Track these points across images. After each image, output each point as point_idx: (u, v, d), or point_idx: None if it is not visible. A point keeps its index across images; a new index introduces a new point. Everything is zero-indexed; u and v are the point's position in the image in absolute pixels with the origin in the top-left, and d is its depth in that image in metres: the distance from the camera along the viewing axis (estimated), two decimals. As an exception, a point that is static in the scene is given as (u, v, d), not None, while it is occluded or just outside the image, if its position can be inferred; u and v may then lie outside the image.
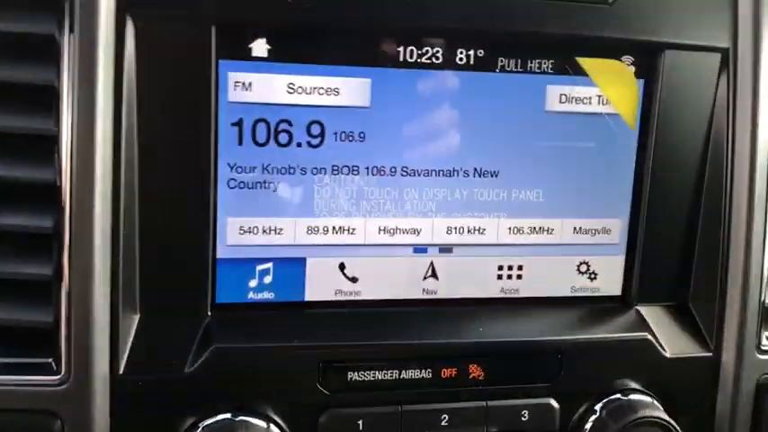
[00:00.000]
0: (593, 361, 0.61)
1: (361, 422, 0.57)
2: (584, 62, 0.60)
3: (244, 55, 0.55)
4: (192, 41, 0.53)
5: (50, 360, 0.53)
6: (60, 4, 0.50)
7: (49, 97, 0.51)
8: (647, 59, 0.61)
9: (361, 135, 0.58)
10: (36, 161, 0.52)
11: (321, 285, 0.60)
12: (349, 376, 0.57)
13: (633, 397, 0.61)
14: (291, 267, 0.60)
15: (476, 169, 0.61)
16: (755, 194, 0.62)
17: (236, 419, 0.55)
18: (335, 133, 0.58)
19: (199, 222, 0.56)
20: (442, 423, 0.58)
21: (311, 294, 0.60)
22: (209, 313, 0.58)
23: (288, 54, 0.56)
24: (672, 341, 0.63)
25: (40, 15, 0.50)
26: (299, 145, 0.57)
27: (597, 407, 0.61)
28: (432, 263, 0.62)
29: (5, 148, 0.51)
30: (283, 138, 0.57)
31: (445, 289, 0.63)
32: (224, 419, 0.55)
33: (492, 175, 0.61)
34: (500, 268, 0.63)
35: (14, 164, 0.51)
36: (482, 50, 0.59)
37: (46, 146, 0.51)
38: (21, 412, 0.52)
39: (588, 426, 0.61)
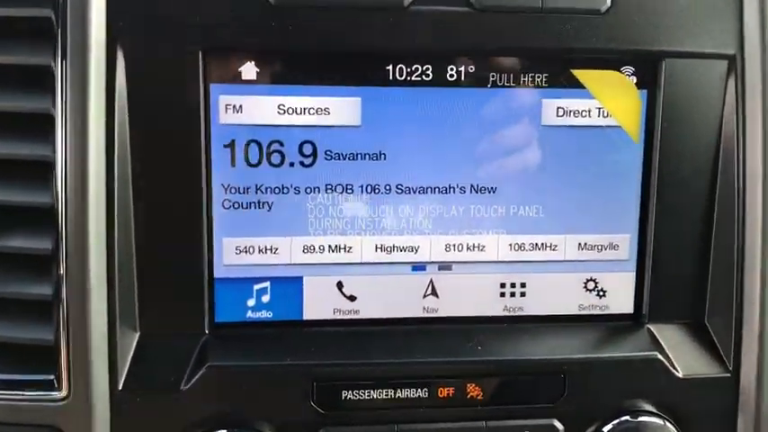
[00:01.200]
0: (599, 381, 0.59)
1: None
2: (581, 74, 0.59)
3: (233, 78, 0.57)
4: (181, 67, 0.55)
5: (52, 377, 0.55)
6: (54, 35, 0.53)
7: (46, 125, 0.53)
8: (649, 69, 0.59)
9: (354, 154, 0.59)
10: (35, 186, 0.54)
11: (319, 304, 0.61)
12: (343, 395, 0.57)
13: (643, 419, 0.59)
14: (289, 286, 0.60)
15: (472, 185, 0.60)
16: (769, 206, 0.59)
17: (231, 436, 0.56)
18: (328, 152, 0.59)
19: (195, 243, 0.58)
20: None
21: (309, 313, 0.61)
22: (207, 332, 0.59)
23: (276, 76, 0.57)
24: (686, 361, 0.61)
25: (38, 47, 0.53)
26: (291, 165, 0.58)
27: (605, 429, 0.59)
28: (431, 281, 0.62)
29: (5, 173, 0.54)
30: (276, 158, 0.58)
31: (446, 307, 0.62)
32: (219, 437, 0.56)
33: (489, 192, 0.60)
34: (502, 286, 0.62)
35: (14, 189, 0.54)
36: (472, 66, 0.58)
37: (44, 171, 0.54)
38: (24, 426, 0.55)
39: (595, 448, 0.59)
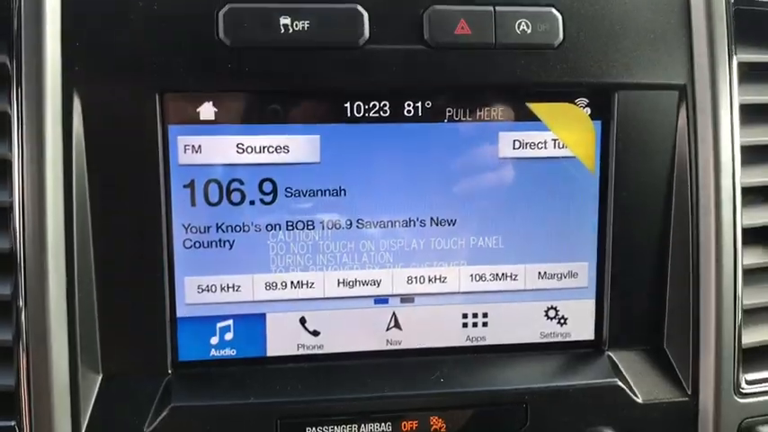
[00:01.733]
0: (561, 409, 0.60)
1: None
2: (536, 107, 0.60)
3: (191, 119, 0.57)
4: (139, 110, 0.55)
5: (13, 423, 0.54)
6: (9, 80, 0.53)
7: (3, 170, 0.53)
8: (602, 101, 0.61)
9: (314, 190, 0.59)
10: (-8, 231, 0.54)
11: (283, 340, 0.61)
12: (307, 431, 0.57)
13: (604, 446, 0.60)
14: (252, 323, 0.61)
15: (432, 218, 0.61)
16: (722, 232, 0.60)
17: (194, 479, 0.55)
18: (288, 189, 0.59)
19: (156, 283, 0.58)
20: None
21: (273, 349, 0.61)
22: (170, 371, 0.59)
23: (235, 116, 0.57)
24: (646, 386, 0.61)
25: None
26: (252, 203, 0.59)
27: (568, 457, 0.60)
28: (394, 313, 0.62)
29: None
30: (236, 197, 0.58)
31: (410, 339, 0.62)
32: (182, 480, 0.56)
33: (449, 224, 0.61)
34: (465, 316, 0.63)
35: None
36: (429, 102, 0.59)
37: (1, 216, 0.54)
38: (-15, 475, 0.54)
39: (558, 476, 0.59)
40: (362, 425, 0.58)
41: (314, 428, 0.57)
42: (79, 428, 0.55)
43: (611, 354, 0.63)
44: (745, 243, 0.61)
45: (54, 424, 0.54)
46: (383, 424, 0.58)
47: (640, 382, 0.61)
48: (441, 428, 0.59)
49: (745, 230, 0.62)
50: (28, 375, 0.54)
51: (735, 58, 0.61)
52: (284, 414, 0.57)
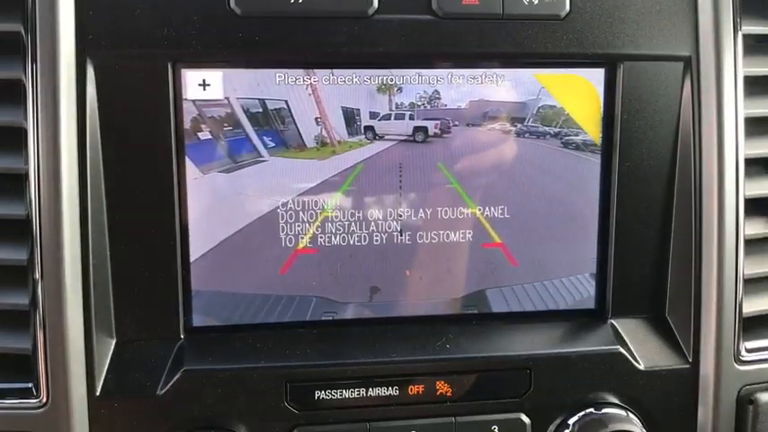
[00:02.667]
0: (564, 375, 0.61)
1: None
2: (542, 77, 0.61)
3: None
4: (152, 79, 0.56)
5: (30, 385, 0.56)
6: (24, 49, 0.54)
7: (19, 137, 0.54)
8: (607, 71, 0.61)
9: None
10: (9, 198, 0.55)
11: (292, 307, 0.62)
12: (316, 395, 0.59)
13: (607, 411, 0.61)
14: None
15: (439, 186, 0.62)
16: (725, 202, 0.61)
17: (208, 437, 0.57)
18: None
19: (169, 250, 0.59)
20: None
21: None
22: (182, 336, 0.60)
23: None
24: (647, 354, 0.63)
25: (7, 61, 0.54)
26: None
27: (570, 421, 0.61)
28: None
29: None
30: None
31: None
32: (196, 439, 0.57)
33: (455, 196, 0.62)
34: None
35: None
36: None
37: (17, 183, 0.55)
38: (4, 434, 0.56)
39: (561, 440, 0.61)
40: (370, 389, 0.59)
41: (323, 392, 0.59)
42: (94, 391, 0.57)
43: (613, 322, 0.64)
44: (747, 214, 0.62)
45: (69, 386, 0.56)
46: (390, 388, 0.59)
47: (642, 350, 0.63)
48: (446, 393, 0.60)
49: (747, 201, 0.62)
50: (44, 339, 0.55)
51: (740, 29, 0.61)
52: (294, 377, 0.58)
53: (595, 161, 0.63)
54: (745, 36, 0.61)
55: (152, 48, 0.56)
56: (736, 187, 0.62)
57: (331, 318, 0.62)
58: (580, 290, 0.65)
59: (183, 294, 0.60)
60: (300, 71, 0.58)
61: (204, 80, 0.58)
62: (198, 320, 0.61)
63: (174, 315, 0.60)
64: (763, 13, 0.63)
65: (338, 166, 0.60)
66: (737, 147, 0.62)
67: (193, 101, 0.58)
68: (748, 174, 0.63)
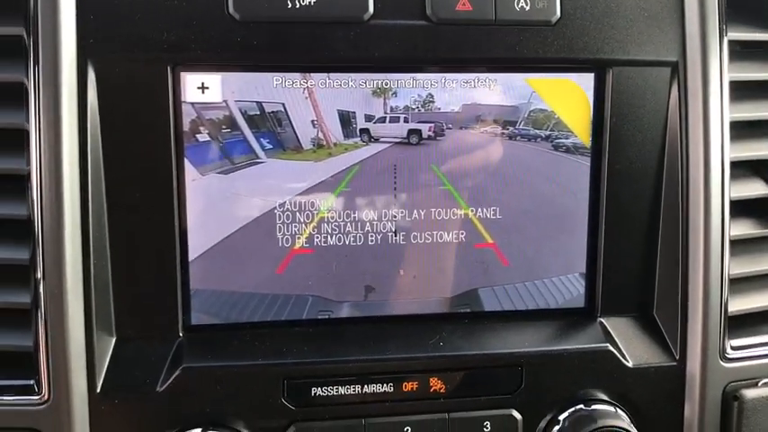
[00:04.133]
0: (554, 373, 0.63)
1: None
2: (534, 82, 0.63)
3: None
4: (151, 83, 0.57)
5: (32, 381, 0.57)
6: (26, 53, 0.55)
7: (21, 139, 0.55)
8: (597, 76, 0.63)
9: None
10: (11, 198, 0.56)
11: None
12: (313, 392, 0.60)
13: (596, 407, 0.63)
14: (260, 291, 0.63)
15: (432, 188, 0.63)
16: (711, 204, 0.63)
17: (206, 434, 0.58)
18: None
19: (168, 250, 0.60)
20: None
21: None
22: (181, 335, 0.61)
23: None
24: (635, 351, 0.64)
25: (10, 64, 0.55)
26: (259, 173, 0.61)
27: (561, 417, 0.63)
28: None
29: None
30: None
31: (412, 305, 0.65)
32: (195, 435, 0.58)
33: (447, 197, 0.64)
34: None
35: None
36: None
37: (19, 184, 0.56)
38: (6, 430, 0.57)
39: (552, 434, 0.62)
40: (365, 385, 0.61)
41: (319, 388, 0.60)
42: (95, 387, 0.58)
43: (603, 321, 0.66)
44: (732, 215, 0.64)
45: (70, 383, 0.57)
46: (385, 384, 0.61)
47: (630, 348, 0.64)
48: (440, 389, 0.61)
49: (733, 203, 0.64)
50: (46, 337, 0.56)
51: (726, 36, 0.63)
52: (291, 374, 0.60)
53: (585, 163, 0.64)
54: (730, 42, 0.63)
55: (152, 52, 0.57)
56: (721, 189, 0.63)
57: (327, 316, 0.64)
58: (570, 289, 0.66)
59: (182, 293, 0.61)
60: (297, 75, 0.60)
61: (203, 83, 0.59)
62: (196, 319, 0.62)
63: (173, 314, 0.61)
64: (748, 19, 0.65)
65: (334, 168, 0.62)
66: (723, 150, 0.63)
67: (192, 103, 0.59)
68: (734, 176, 0.64)
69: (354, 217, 0.63)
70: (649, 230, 0.65)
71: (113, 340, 0.60)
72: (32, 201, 0.56)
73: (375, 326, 0.64)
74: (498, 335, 0.64)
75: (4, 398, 0.57)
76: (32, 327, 0.57)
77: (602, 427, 0.60)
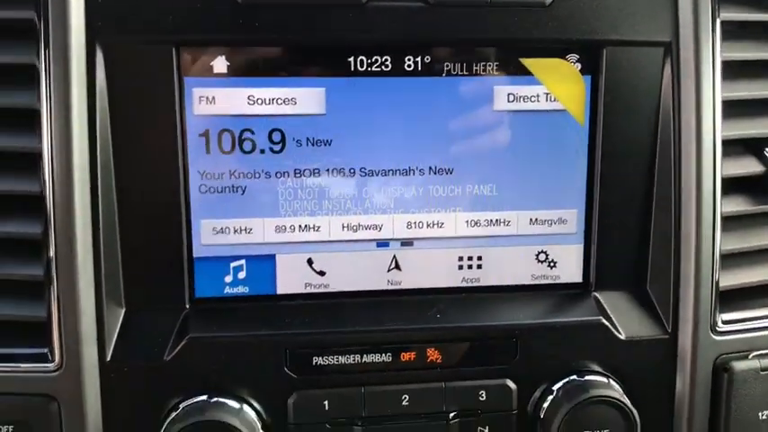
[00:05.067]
0: (548, 344, 0.65)
1: (326, 403, 0.62)
2: (529, 63, 0.64)
3: (206, 72, 0.61)
4: (156, 62, 0.59)
5: (45, 350, 0.60)
6: (37, 35, 0.57)
7: (33, 119, 0.58)
8: (591, 57, 0.64)
9: (320, 140, 0.64)
10: (24, 176, 0.59)
11: (291, 279, 0.66)
12: (314, 361, 0.62)
13: (589, 378, 0.64)
14: (263, 263, 0.65)
15: (431, 168, 0.65)
16: (703, 181, 0.64)
17: (212, 401, 0.61)
18: (295, 139, 0.63)
19: (175, 225, 0.62)
20: (403, 403, 0.63)
21: (282, 288, 0.66)
22: (187, 307, 0.64)
23: (246, 69, 0.61)
24: (628, 324, 0.66)
25: (21, 46, 0.58)
26: (262, 152, 0.63)
27: (554, 387, 0.64)
28: (394, 256, 0.67)
29: (-2, 166, 0.59)
30: (247, 145, 0.63)
31: (409, 279, 0.67)
32: (201, 401, 0.61)
33: (447, 173, 0.65)
34: (460, 259, 0.67)
35: (5, 179, 0.59)
36: (428, 57, 0.63)
37: (32, 162, 0.58)
38: (21, 396, 0.60)
39: (545, 405, 0.64)
40: (365, 355, 0.63)
41: (320, 358, 0.62)
42: (105, 356, 0.60)
43: (597, 295, 0.67)
44: (724, 192, 0.65)
45: (81, 352, 0.59)
46: (384, 354, 0.63)
47: (624, 321, 0.66)
48: (436, 360, 0.64)
49: (725, 180, 0.65)
50: (58, 308, 0.59)
51: (718, 16, 0.64)
52: (293, 344, 0.62)
53: (581, 142, 0.66)
54: (723, 22, 0.64)
55: (156, 33, 0.59)
56: (713, 167, 0.65)
57: (326, 290, 0.66)
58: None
59: (189, 266, 0.63)
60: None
61: (207, 62, 0.61)
62: (202, 291, 0.65)
63: (179, 286, 0.63)
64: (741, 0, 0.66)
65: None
66: (715, 128, 0.64)
67: (197, 80, 0.61)
68: (727, 154, 0.65)
69: (354, 194, 0.65)
70: (643, 207, 0.67)
71: (123, 311, 0.62)
72: (44, 177, 0.58)
73: (375, 299, 0.66)
74: (494, 308, 0.66)
75: (20, 365, 0.60)
76: (45, 298, 0.59)
77: (595, 397, 0.62)
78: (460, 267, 0.67)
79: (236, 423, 0.59)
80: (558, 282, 0.69)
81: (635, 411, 0.63)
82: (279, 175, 0.64)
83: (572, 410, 0.62)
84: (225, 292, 0.65)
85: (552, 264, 0.68)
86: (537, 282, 0.68)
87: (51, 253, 0.59)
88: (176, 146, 0.61)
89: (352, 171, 0.64)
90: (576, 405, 0.62)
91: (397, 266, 0.67)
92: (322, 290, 0.66)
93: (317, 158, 0.64)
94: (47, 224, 0.59)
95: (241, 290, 0.66)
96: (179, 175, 0.62)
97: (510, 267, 0.68)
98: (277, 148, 0.63)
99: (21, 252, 0.60)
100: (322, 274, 0.66)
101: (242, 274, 0.65)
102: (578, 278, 0.69)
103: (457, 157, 0.65)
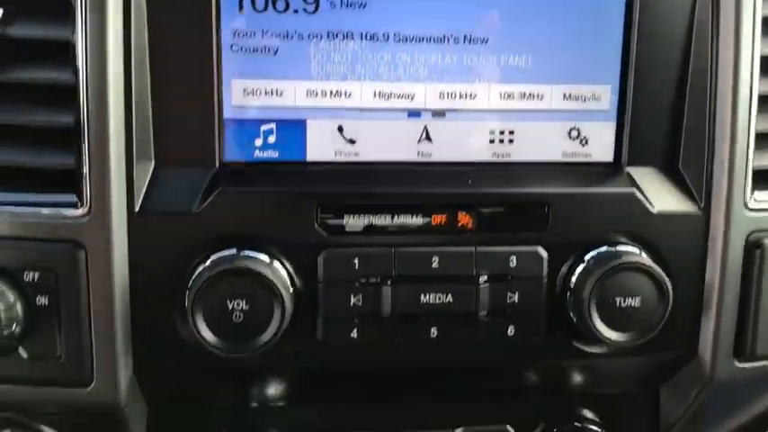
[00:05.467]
0: (580, 214, 0.64)
1: (356, 261, 0.62)
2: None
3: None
4: None
5: (74, 196, 0.59)
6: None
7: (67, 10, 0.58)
8: None
9: (354, 2, 0.63)
10: (58, 23, 0.58)
11: (321, 146, 0.65)
12: (345, 219, 0.62)
13: (621, 248, 0.64)
14: (293, 128, 0.65)
15: (465, 36, 0.65)
16: (740, 59, 0.64)
17: (242, 254, 0.60)
18: (330, 0, 0.63)
19: (206, 83, 0.62)
20: (434, 265, 0.62)
21: (312, 154, 0.65)
22: (218, 165, 0.63)
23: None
24: (660, 199, 0.65)
25: None
26: (295, 11, 0.63)
27: (586, 257, 0.64)
28: (426, 126, 0.66)
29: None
30: (280, 5, 0.62)
31: (439, 152, 0.66)
32: (230, 254, 0.60)
33: (482, 42, 0.65)
34: (492, 132, 0.67)
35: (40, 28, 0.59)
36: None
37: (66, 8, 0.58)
38: (49, 242, 0.59)
39: (576, 274, 0.63)
40: (396, 216, 0.62)
41: (351, 216, 0.62)
42: (133, 206, 0.60)
43: (629, 171, 0.67)
44: (762, 71, 0.65)
45: (111, 199, 0.59)
46: (415, 216, 0.62)
47: (656, 195, 0.65)
48: (467, 224, 0.63)
49: (763, 58, 0.65)
50: (88, 155, 0.58)
51: None
52: (324, 202, 0.61)
53: (617, 15, 0.65)
54: None
55: None
56: (752, 46, 0.64)
57: (356, 159, 0.66)
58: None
59: (219, 126, 0.63)
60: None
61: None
62: (231, 155, 0.64)
63: (210, 146, 0.63)
64: None
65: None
66: (756, 7, 0.64)
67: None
68: (766, 33, 0.65)
69: (387, 59, 0.64)
70: (678, 85, 0.66)
71: (152, 164, 0.62)
72: (77, 25, 0.58)
73: (407, 167, 0.65)
74: (526, 178, 0.65)
75: (50, 210, 0.59)
76: (76, 146, 0.59)
77: (626, 263, 0.61)
78: (492, 141, 0.67)
79: (267, 273, 0.58)
80: (589, 160, 0.68)
81: (667, 280, 0.62)
82: (311, 36, 0.63)
83: (602, 277, 0.62)
84: (255, 156, 0.65)
85: (584, 141, 0.68)
86: (568, 159, 0.68)
87: (82, 100, 0.58)
88: (210, 3, 0.61)
89: (386, 36, 0.64)
90: (606, 271, 0.61)
91: (428, 137, 0.66)
92: (352, 158, 0.66)
93: (350, 21, 0.63)
94: (77, 73, 0.58)
95: (270, 154, 0.65)
96: (211, 33, 0.61)
97: (541, 143, 0.67)
98: (311, 8, 0.63)
99: (53, 100, 0.59)
100: (352, 142, 0.66)
101: (272, 138, 0.65)
102: (609, 157, 0.68)
103: (493, 26, 0.64)
